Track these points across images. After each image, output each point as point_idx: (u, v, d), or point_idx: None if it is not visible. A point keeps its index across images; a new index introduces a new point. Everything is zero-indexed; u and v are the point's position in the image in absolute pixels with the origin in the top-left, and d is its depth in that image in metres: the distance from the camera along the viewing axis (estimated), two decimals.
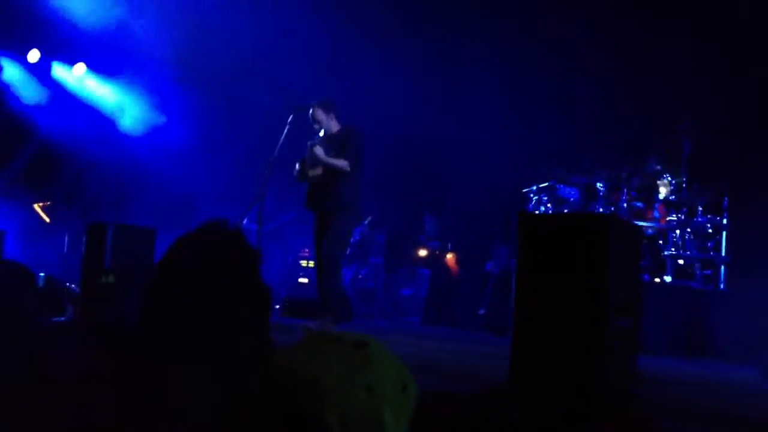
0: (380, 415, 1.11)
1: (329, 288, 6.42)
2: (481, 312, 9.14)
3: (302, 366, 1.14)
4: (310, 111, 6.82)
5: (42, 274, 6.84)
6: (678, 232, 8.29)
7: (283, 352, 1.23)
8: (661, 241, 8.47)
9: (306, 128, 6.98)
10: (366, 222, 10.64)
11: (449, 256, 11.34)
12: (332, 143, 6.73)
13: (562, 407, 2.37)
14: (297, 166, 6.82)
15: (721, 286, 8.20)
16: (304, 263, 10.89)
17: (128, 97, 12.32)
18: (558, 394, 2.48)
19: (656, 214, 8.55)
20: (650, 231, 8.55)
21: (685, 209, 8.35)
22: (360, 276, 11.01)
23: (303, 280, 10.83)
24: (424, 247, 11.48)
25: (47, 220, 11.38)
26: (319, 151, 6.60)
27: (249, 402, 1.17)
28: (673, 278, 8.14)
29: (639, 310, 3.04)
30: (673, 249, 8.25)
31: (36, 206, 11.41)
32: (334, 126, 6.85)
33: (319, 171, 6.69)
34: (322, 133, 6.87)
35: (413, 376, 1.25)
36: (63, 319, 5.05)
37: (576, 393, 2.50)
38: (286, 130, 6.94)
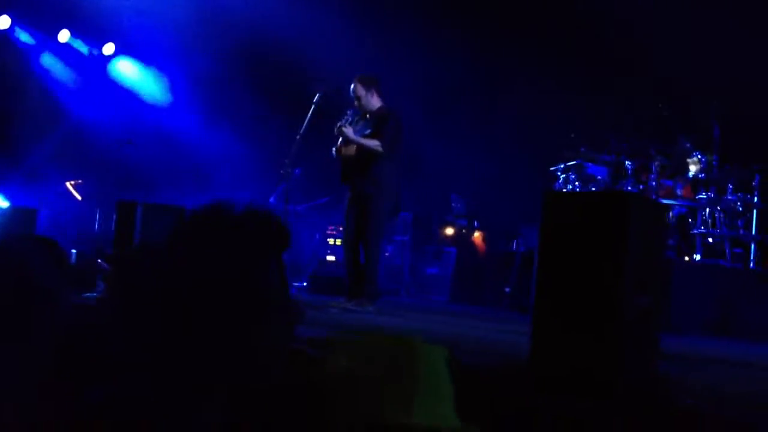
0: None
1: (370, 273, 6.45)
2: (507, 290, 9.15)
3: None
4: (352, 86, 6.65)
5: (74, 251, 6.96)
6: (708, 210, 8.20)
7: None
8: (690, 220, 8.39)
9: (337, 108, 6.91)
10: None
11: (476, 234, 11.32)
12: (369, 121, 6.60)
13: (580, 383, 2.39)
14: (338, 142, 6.68)
15: (752, 265, 8.12)
16: (331, 241, 10.93)
17: (152, 71, 12.44)
18: (576, 369, 2.50)
19: (680, 192, 8.44)
20: (679, 209, 8.47)
21: (714, 187, 8.25)
22: (386, 254, 11.03)
23: (330, 257, 10.87)
24: (451, 225, 11.46)
25: (79, 197, 11.54)
26: (348, 130, 6.51)
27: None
28: (702, 257, 8.07)
29: (661, 289, 3.04)
30: (702, 227, 8.17)
31: (68, 184, 11.57)
32: (375, 103, 6.67)
33: (352, 151, 6.58)
34: (354, 111, 6.71)
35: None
36: (94, 295, 5.14)
37: (593, 370, 2.52)
38: (312, 110, 6.92)
